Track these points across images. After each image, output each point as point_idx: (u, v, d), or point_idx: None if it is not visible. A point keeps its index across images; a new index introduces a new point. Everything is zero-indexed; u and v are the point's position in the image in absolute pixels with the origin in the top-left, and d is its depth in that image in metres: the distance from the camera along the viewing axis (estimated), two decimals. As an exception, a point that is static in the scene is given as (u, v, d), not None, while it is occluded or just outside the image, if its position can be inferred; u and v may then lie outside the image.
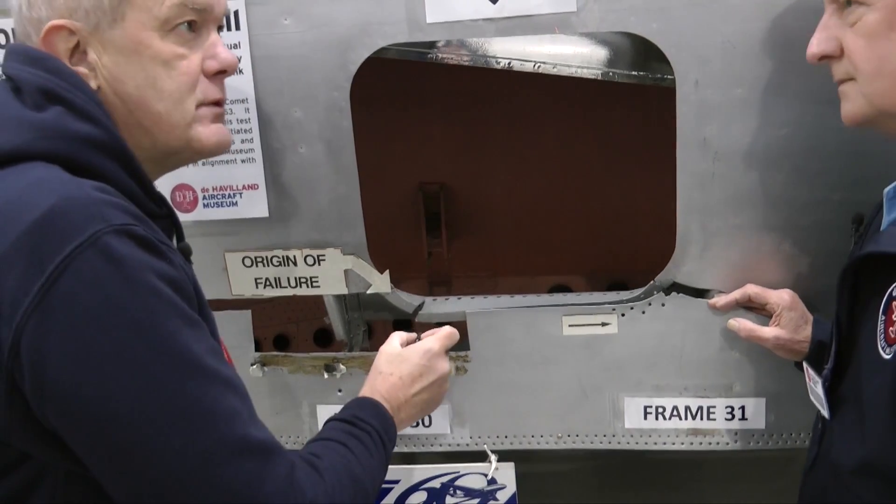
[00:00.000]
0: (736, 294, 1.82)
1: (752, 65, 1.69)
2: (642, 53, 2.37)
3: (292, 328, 3.03)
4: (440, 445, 2.04)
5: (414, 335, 1.67)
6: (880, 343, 1.34)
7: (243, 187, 1.85)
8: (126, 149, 1.20)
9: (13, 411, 1.06)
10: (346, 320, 2.11)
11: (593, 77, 2.24)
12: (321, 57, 1.76)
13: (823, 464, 1.52)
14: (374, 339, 2.43)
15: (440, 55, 2.24)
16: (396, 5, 1.72)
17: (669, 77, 2.22)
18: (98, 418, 1.04)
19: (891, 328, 1.33)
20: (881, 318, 1.35)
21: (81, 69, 1.22)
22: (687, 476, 2.89)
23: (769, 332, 1.74)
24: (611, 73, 2.20)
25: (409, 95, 2.57)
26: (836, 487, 1.43)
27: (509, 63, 2.22)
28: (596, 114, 2.63)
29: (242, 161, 1.81)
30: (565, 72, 2.22)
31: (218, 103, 1.32)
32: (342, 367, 1.99)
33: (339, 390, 2.01)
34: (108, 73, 1.23)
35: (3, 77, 1.23)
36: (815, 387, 1.53)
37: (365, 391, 1.54)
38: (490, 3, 1.71)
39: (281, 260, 1.91)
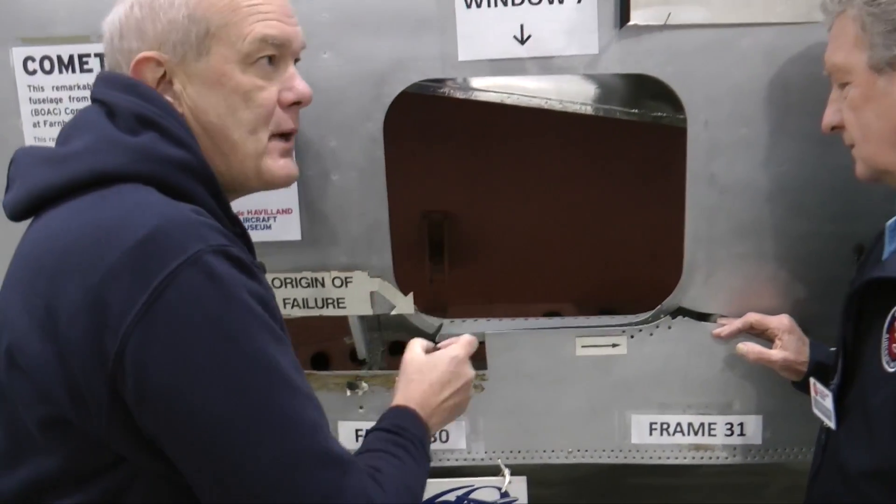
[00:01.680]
0: (738, 323, 1.94)
1: (757, 107, 1.85)
2: (634, 93, 2.53)
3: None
4: (456, 460, 2.13)
5: (432, 344, 1.70)
6: (885, 358, 1.48)
7: (277, 211, 1.94)
8: (212, 173, 1.28)
9: (114, 415, 1.12)
10: (367, 340, 2.20)
11: (596, 114, 2.38)
12: (357, 90, 1.87)
13: (829, 469, 1.64)
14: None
15: (448, 89, 2.36)
16: (431, 43, 1.84)
17: (666, 115, 2.39)
18: (195, 424, 1.10)
19: (893, 345, 1.48)
20: (885, 336, 1.49)
21: (167, 98, 1.29)
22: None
23: (777, 354, 1.86)
24: (616, 112, 2.34)
25: (417, 127, 2.68)
26: (845, 490, 1.55)
27: (517, 98, 2.36)
28: (594, 149, 2.77)
29: (278, 186, 1.90)
30: (571, 108, 2.36)
31: (289, 135, 1.40)
32: (364, 384, 2.07)
33: (361, 407, 2.09)
34: (192, 102, 1.30)
35: (93, 101, 1.30)
36: (823, 400, 1.67)
37: (398, 399, 1.56)
38: (518, 43, 1.84)
39: (310, 281, 2.00)
